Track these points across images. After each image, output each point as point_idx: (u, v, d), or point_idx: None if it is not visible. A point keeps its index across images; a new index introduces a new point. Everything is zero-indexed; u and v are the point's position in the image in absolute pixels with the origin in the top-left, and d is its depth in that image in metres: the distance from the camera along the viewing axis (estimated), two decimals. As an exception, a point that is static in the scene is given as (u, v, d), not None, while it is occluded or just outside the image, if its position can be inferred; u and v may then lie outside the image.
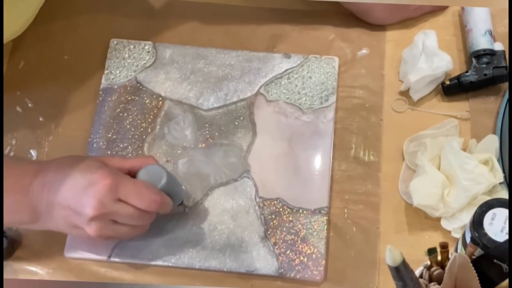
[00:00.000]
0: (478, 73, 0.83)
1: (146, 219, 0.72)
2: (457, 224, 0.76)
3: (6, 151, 0.84)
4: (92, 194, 0.67)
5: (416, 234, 0.79)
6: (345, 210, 0.80)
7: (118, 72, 0.88)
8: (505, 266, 0.55)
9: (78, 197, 0.68)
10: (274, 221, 0.79)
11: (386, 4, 0.88)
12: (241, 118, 0.85)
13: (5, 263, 0.77)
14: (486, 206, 0.63)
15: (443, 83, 0.85)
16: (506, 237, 0.61)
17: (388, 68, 0.88)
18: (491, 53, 0.83)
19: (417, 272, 0.60)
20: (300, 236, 0.78)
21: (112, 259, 0.77)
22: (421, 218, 0.79)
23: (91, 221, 0.68)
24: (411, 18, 0.91)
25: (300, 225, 0.78)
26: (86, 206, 0.67)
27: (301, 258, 0.77)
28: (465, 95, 0.86)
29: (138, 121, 0.85)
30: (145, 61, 0.88)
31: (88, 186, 0.68)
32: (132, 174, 0.73)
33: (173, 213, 0.78)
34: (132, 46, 0.89)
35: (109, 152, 0.83)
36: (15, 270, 0.78)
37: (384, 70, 0.88)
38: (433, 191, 0.76)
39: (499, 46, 0.84)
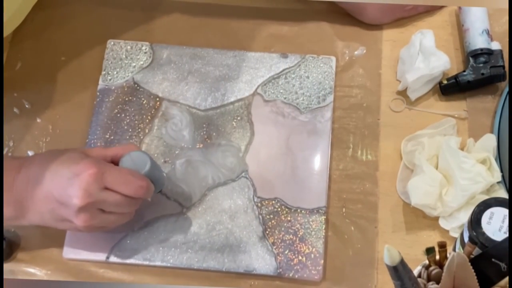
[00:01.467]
0: (475, 72, 0.83)
1: (132, 206, 0.72)
2: (455, 223, 0.76)
3: (3, 152, 0.84)
4: (77, 185, 0.67)
5: (414, 234, 0.79)
6: (343, 209, 0.80)
7: (115, 73, 0.88)
8: (503, 265, 0.55)
9: (63, 189, 0.67)
10: (272, 221, 0.79)
11: (380, 3, 0.88)
12: (239, 118, 0.85)
13: (3, 265, 0.77)
14: (484, 205, 0.63)
15: (440, 83, 0.85)
16: (504, 236, 0.61)
17: (386, 67, 0.88)
18: (488, 52, 0.83)
19: (415, 272, 0.60)
20: (299, 235, 0.78)
21: (111, 259, 0.77)
22: (419, 218, 0.79)
23: (79, 212, 0.68)
24: (406, 18, 0.91)
25: (298, 225, 0.79)
26: (73, 197, 0.67)
27: (300, 257, 0.77)
28: (462, 95, 0.86)
29: (136, 121, 0.85)
30: (142, 62, 0.88)
31: (73, 177, 0.67)
32: (115, 162, 0.73)
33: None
34: (129, 47, 0.89)
35: (107, 153, 0.83)
36: (13, 271, 0.78)
37: (381, 69, 0.88)
38: (431, 191, 0.76)
39: (496, 45, 0.84)
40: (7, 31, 0.80)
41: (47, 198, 0.69)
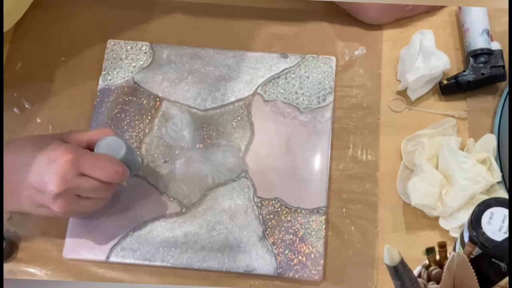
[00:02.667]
0: (475, 72, 0.83)
1: (109, 191, 0.73)
2: (455, 224, 0.76)
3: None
4: (54, 171, 0.67)
5: (414, 234, 0.79)
6: (343, 209, 0.80)
7: (115, 73, 0.88)
8: (503, 265, 0.55)
9: (40, 175, 0.68)
10: (273, 221, 0.79)
11: (380, 3, 0.88)
12: (239, 118, 0.85)
13: (3, 265, 0.77)
14: (484, 205, 0.63)
15: (440, 83, 0.85)
16: (504, 236, 0.61)
17: (386, 67, 0.88)
18: (488, 52, 0.83)
19: (415, 272, 0.60)
20: (299, 235, 0.78)
21: (111, 259, 0.77)
22: (419, 218, 0.79)
23: (56, 198, 0.68)
24: (406, 18, 0.91)
25: (298, 225, 0.79)
26: (49, 184, 0.67)
27: (300, 257, 0.77)
28: (462, 95, 0.86)
29: (136, 121, 0.85)
30: (142, 62, 0.88)
31: (49, 163, 0.68)
32: (91, 147, 0.73)
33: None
34: (129, 47, 0.89)
35: (107, 153, 0.83)
36: (13, 271, 0.78)
37: (381, 69, 0.88)
38: (431, 191, 0.76)
39: (497, 45, 0.84)
40: (7, 26, 0.80)
41: (24, 184, 0.69)
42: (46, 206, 0.70)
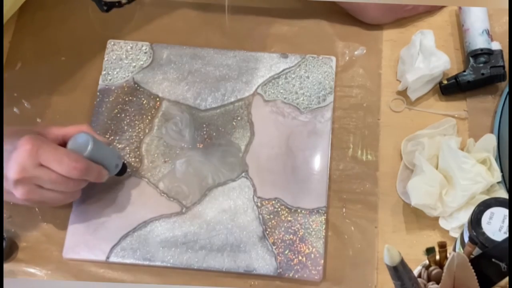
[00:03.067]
0: (475, 72, 0.83)
1: (71, 186, 0.73)
2: (455, 224, 0.76)
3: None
4: (14, 159, 0.69)
5: (414, 234, 0.79)
6: (343, 209, 0.80)
7: (115, 73, 0.88)
8: (503, 265, 0.55)
9: (5, 161, 0.70)
10: (273, 221, 0.79)
11: (380, 3, 0.88)
12: (239, 118, 0.85)
13: (4, 265, 0.77)
14: (484, 205, 0.63)
15: (440, 83, 0.85)
16: (504, 236, 0.61)
17: (386, 67, 0.88)
18: (488, 52, 0.83)
19: (415, 272, 0.60)
20: (299, 235, 0.78)
21: (111, 260, 0.77)
22: (419, 218, 0.79)
23: (16, 184, 0.69)
24: (406, 18, 0.91)
25: (298, 225, 0.79)
26: (9, 170, 0.69)
27: (300, 257, 0.77)
28: (462, 95, 0.86)
29: (136, 121, 0.85)
30: (142, 62, 0.88)
31: (12, 151, 0.69)
32: (66, 142, 0.74)
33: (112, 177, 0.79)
34: (129, 47, 0.89)
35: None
36: (13, 271, 0.78)
37: (381, 69, 0.88)
38: (431, 191, 0.76)
39: (497, 45, 0.84)
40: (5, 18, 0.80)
41: None
42: (10, 192, 0.71)
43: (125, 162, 0.81)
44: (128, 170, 0.81)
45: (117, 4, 0.71)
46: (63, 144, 0.74)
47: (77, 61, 0.90)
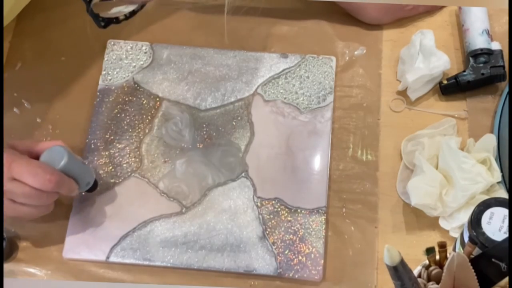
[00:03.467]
0: (475, 72, 0.83)
1: (44, 199, 0.72)
2: (455, 224, 0.76)
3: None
4: None
5: (414, 234, 0.79)
6: (343, 209, 0.80)
7: (115, 73, 0.88)
8: (503, 265, 0.55)
9: None
10: (273, 221, 0.79)
11: (380, 3, 0.88)
12: (239, 118, 0.85)
13: (4, 265, 0.77)
14: (484, 205, 0.63)
15: (440, 83, 0.85)
16: (504, 236, 0.61)
17: (386, 67, 0.88)
18: (488, 52, 0.83)
19: (415, 272, 0.60)
20: (299, 235, 0.78)
21: (111, 260, 0.77)
22: (419, 218, 0.79)
23: None
24: (406, 18, 0.91)
25: (298, 225, 0.78)
26: None
27: (300, 257, 0.77)
28: (462, 95, 0.86)
29: (136, 121, 0.85)
30: (142, 62, 0.88)
31: None
32: (38, 157, 0.73)
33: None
34: (129, 47, 0.89)
35: (106, 153, 0.83)
36: (13, 271, 0.78)
37: (381, 69, 0.88)
38: (431, 191, 0.76)
39: (497, 45, 0.84)
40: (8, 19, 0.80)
41: None
42: None
43: (97, 180, 0.80)
44: (128, 171, 0.81)
45: (114, 20, 0.71)
46: (36, 158, 0.73)
47: (77, 61, 0.90)
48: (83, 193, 0.79)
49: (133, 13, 0.71)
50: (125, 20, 0.72)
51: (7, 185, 0.69)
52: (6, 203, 0.70)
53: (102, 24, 0.71)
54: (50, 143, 0.74)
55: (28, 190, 0.70)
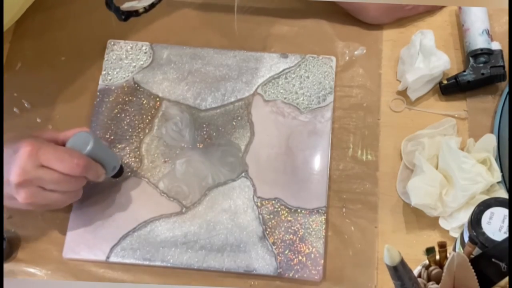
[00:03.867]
0: (475, 72, 0.83)
1: (73, 184, 0.72)
2: (455, 224, 0.76)
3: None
4: (14, 162, 0.68)
5: (414, 234, 0.79)
6: (343, 209, 0.80)
7: (115, 73, 0.88)
8: (503, 265, 0.55)
9: (5, 166, 0.69)
10: (273, 221, 0.79)
11: (380, 3, 0.88)
12: (239, 118, 0.85)
13: (4, 265, 0.77)
14: (484, 205, 0.63)
15: (440, 83, 0.85)
16: (504, 236, 0.61)
17: (386, 67, 0.88)
18: (488, 52, 0.83)
19: (415, 272, 0.60)
20: (299, 235, 0.78)
21: (111, 259, 0.77)
22: (419, 218, 0.79)
23: (18, 188, 0.69)
24: (406, 18, 0.91)
25: (298, 225, 0.79)
26: (11, 174, 0.68)
27: (300, 257, 0.77)
28: (462, 95, 0.86)
29: (136, 121, 0.85)
30: (142, 62, 0.88)
31: (12, 154, 0.69)
32: (64, 144, 0.74)
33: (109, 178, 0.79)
34: (129, 47, 0.89)
35: (107, 153, 0.83)
36: (13, 271, 0.78)
37: (381, 69, 0.88)
38: (431, 191, 0.76)
39: (497, 45, 0.84)
40: (8, 22, 0.80)
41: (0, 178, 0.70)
42: (13, 197, 0.70)
43: (123, 165, 0.80)
44: (128, 171, 0.81)
45: (134, 13, 0.71)
46: (62, 145, 0.74)
47: (77, 61, 0.90)
48: (112, 179, 0.80)
49: (152, 6, 0.71)
50: (145, 13, 0.72)
51: (35, 172, 0.69)
52: (35, 191, 0.70)
53: (123, 17, 0.71)
54: (74, 130, 0.75)
55: (57, 176, 0.70)
